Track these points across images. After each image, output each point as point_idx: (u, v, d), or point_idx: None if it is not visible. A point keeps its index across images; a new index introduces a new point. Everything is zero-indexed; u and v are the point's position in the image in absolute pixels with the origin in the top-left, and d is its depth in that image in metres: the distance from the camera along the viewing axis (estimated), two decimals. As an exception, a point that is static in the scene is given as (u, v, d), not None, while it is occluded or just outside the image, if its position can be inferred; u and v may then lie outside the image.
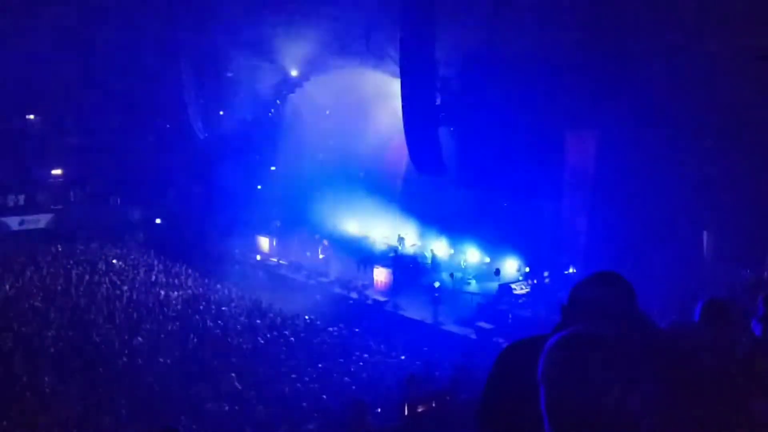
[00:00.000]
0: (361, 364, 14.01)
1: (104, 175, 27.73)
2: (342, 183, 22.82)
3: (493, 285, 18.44)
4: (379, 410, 9.95)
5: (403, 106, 19.76)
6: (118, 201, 28.40)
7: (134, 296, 18.52)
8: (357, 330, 16.72)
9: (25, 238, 24.72)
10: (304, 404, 11.32)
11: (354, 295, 19.76)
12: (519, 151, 18.08)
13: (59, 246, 23.61)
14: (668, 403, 2.21)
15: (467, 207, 20.29)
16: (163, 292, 19.21)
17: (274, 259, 23.84)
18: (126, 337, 15.39)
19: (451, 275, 19.44)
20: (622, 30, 15.75)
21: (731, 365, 3.00)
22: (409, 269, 20.66)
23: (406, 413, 9.41)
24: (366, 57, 21.78)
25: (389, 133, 21.64)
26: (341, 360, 14.26)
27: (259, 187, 23.94)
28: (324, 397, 11.71)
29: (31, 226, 26.00)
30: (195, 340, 15.42)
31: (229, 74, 24.68)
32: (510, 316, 16.61)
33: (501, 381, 2.24)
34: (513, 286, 17.95)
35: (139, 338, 15.35)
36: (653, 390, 1.56)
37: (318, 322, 17.21)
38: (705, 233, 16.30)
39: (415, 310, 18.04)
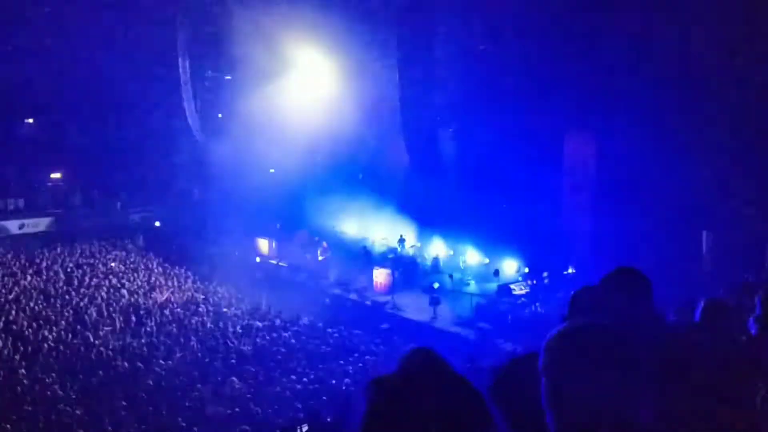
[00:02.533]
0: (360, 365, 14.02)
1: (104, 178, 27.73)
2: (341, 184, 22.83)
3: (493, 285, 18.45)
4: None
5: (401, 108, 19.79)
6: (118, 204, 28.41)
7: (134, 299, 18.53)
8: (357, 331, 16.72)
9: (25, 241, 24.71)
10: (303, 405, 11.33)
11: (353, 296, 19.77)
12: (518, 151, 18.09)
13: (59, 249, 23.61)
14: (667, 399, 2.21)
15: (466, 208, 20.29)
16: (162, 295, 19.21)
17: (274, 261, 23.84)
18: (125, 340, 15.41)
19: (451, 276, 19.44)
20: (621, 31, 15.77)
21: (730, 365, 3.00)
22: (408, 270, 20.67)
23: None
24: (365, 57, 21.78)
25: (388, 134, 21.65)
26: (341, 361, 14.27)
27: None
28: (324, 398, 11.73)
29: (31, 230, 25.97)
30: (194, 342, 15.43)
31: (228, 77, 24.70)
32: (509, 316, 16.61)
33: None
34: (512, 286, 17.95)
35: (139, 340, 15.37)
36: (653, 384, 1.55)
37: (318, 324, 17.21)
38: (704, 234, 16.31)
39: (414, 311, 18.05)
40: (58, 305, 17.66)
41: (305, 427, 9.47)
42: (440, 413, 1.29)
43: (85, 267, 21.61)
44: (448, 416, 1.29)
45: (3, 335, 15.17)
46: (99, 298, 18.33)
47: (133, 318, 16.93)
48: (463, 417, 1.31)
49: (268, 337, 15.83)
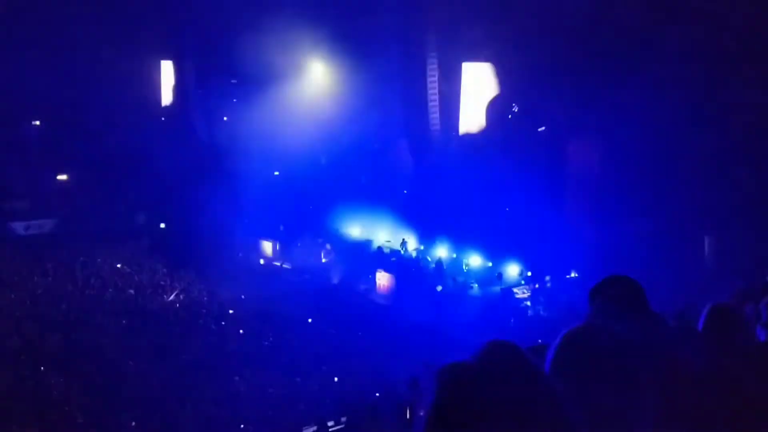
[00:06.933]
0: (363, 367, 14.09)
1: (109, 179, 27.83)
2: (345, 187, 22.91)
3: (495, 289, 18.50)
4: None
5: (405, 111, 19.88)
6: (123, 206, 28.48)
7: (139, 300, 18.63)
8: (360, 333, 16.78)
9: (30, 243, 24.82)
10: (306, 407, 11.42)
11: (356, 298, 19.82)
12: (520, 156, 18.16)
13: (64, 250, 23.71)
14: (666, 407, 2.25)
15: (469, 211, 20.33)
16: (167, 296, 19.32)
17: (278, 263, 23.91)
18: (130, 341, 15.51)
19: (454, 279, 19.48)
20: (622, 34, 15.83)
21: (734, 371, 2.98)
22: (411, 273, 20.72)
23: (408, 417, 9.48)
24: (367, 61, 21.87)
25: (390, 138, 21.73)
26: (344, 363, 14.34)
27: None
28: (327, 400, 11.81)
29: (37, 231, 26.07)
30: (198, 343, 15.53)
31: (233, 81, 24.81)
32: (512, 320, 16.67)
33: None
34: (515, 290, 17.99)
35: (144, 341, 15.47)
36: (651, 391, 1.61)
37: (321, 326, 17.29)
38: (707, 238, 16.33)
39: (417, 314, 18.09)
40: (63, 306, 17.77)
41: (311, 429, 9.55)
42: (512, 408, 1.24)
43: (90, 268, 21.71)
44: (520, 412, 1.24)
45: (9, 336, 15.27)
46: (104, 300, 18.45)
47: (139, 319, 17.03)
48: (535, 415, 1.26)
49: (271, 338, 15.93)
